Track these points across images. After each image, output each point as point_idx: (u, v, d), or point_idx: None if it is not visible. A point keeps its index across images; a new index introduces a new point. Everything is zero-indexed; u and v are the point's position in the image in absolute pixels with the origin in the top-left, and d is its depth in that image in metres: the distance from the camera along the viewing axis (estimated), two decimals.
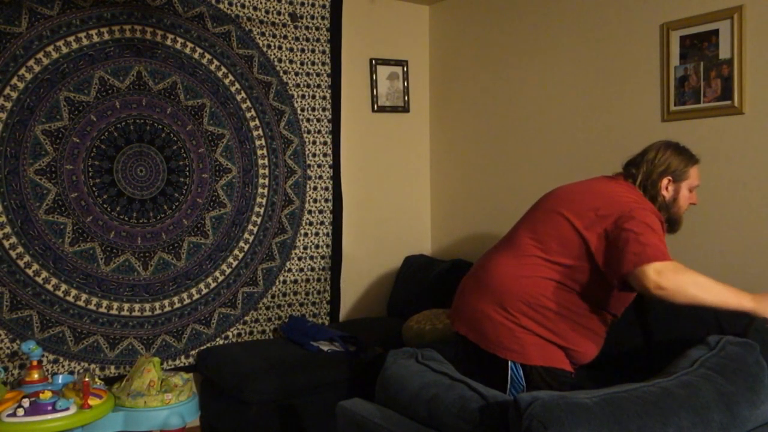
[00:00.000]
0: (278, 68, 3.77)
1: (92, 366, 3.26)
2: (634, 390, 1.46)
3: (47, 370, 3.12)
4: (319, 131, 3.92)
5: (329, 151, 3.95)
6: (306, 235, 3.90)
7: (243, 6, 3.62)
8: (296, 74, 3.83)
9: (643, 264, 1.92)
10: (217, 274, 3.60)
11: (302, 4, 3.83)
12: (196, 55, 3.49)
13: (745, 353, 1.63)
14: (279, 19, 3.76)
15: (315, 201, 3.92)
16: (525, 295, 2.16)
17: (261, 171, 3.72)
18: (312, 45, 3.87)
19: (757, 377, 1.58)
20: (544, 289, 2.16)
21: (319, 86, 3.91)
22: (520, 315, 2.15)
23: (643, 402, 1.41)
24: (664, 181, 2.22)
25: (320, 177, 3.93)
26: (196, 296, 3.54)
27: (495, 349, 2.19)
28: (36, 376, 2.82)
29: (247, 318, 3.71)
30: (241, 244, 3.67)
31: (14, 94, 3.06)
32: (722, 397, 1.48)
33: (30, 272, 3.11)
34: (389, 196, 4.27)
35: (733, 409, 1.48)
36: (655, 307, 2.56)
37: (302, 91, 3.85)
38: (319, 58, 3.90)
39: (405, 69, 4.26)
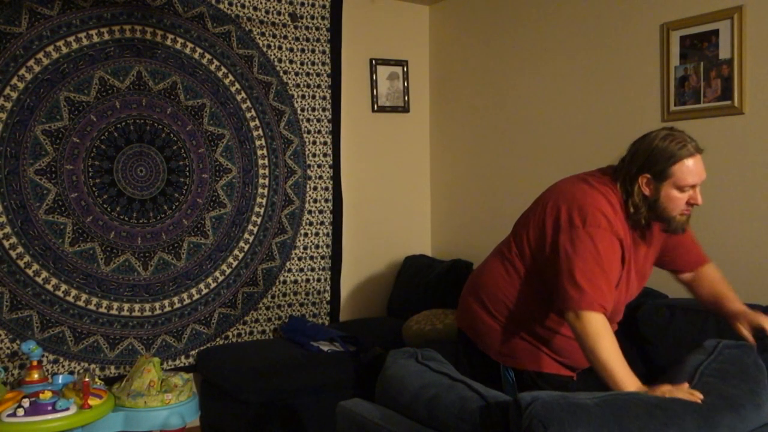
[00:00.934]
0: (278, 68, 3.77)
1: (92, 366, 3.26)
2: (637, 393, 1.46)
3: (47, 370, 3.12)
4: (319, 131, 3.92)
5: (329, 151, 3.95)
6: (306, 235, 3.90)
7: (243, 6, 3.62)
8: (296, 74, 3.83)
9: (570, 310, 1.88)
10: (217, 274, 3.60)
11: (302, 4, 3.83)
12: (196, 55, 3.49)
13: (742, 355, 1.63)
14: (279, 19, 3.76)
15: (315, 201, 3.92)
16: (505, 299, 2.14)
17: (261, 171, 3.72)
18: (312, 45, 3.87)
19: (757, 379, 1.58)
20: (522, 293, 2.10)
21: (319, 86, 3.91)
22: (504, 319, 2.14)
23: (645, 404, 1.40)
24: (642, 179, 1.96)
25: (320, 177, 3.93)
26: (196, 296, 3.54)
27: (488, 351, 2.19)
28: (36, 376, 2.82)
29: (247, 318, 3.71)
30: (241, 244, 3.67)
31: (14, 94, 3.05)
32: (726, 401, 1.48)
33: (30, 272, 3.11)
34: (389, 196, 4.27)
35: (739, 412, 1.47)
36: (655, 315, 2.58)
37: (302, 91, 3.85)
38: (319, 58, 3.90)
39: (405, 69, 4.26)
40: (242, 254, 3.68)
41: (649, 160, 1.94)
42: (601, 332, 1.83)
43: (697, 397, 1.50)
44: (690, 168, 1.93)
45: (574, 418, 1.32)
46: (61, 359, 3.19)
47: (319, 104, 3.91)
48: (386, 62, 4.19)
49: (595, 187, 2.02)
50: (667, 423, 1.37)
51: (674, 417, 1.39)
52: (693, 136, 2.73)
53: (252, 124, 3.69)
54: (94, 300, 3.26)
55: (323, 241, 3.96)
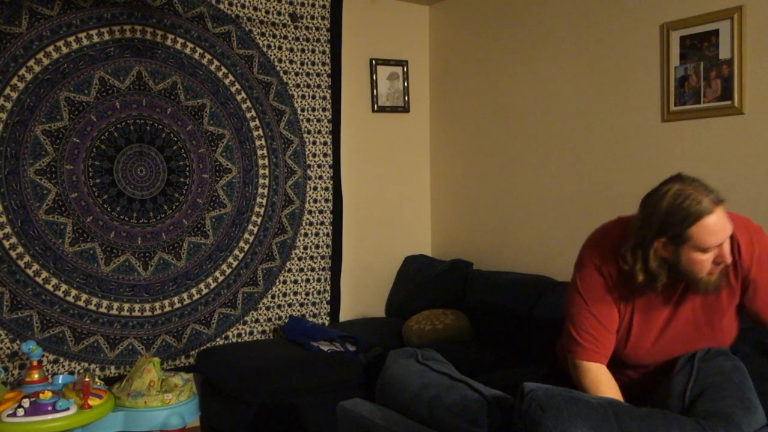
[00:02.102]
0: (278, 68, 3.77)
1: (92, 366, 3.26)
2: (639, 405, 1.48)
3: (47, 371, 3.12)
4: (319, 131, 3.92)
5: (329, 151, 3.95)
6: (306, 235, 3.90)
7: (243, 6, 3.62)
8: (296, 74, 3.83)
9: (568, 354, 1.88)
10: (217, 274, 3.60)
11: (302, 4, 3.83)
12: (196, 56, 3.49)
13: (721, 364, 1.64)
14: (279, 19, 3.76)
15: (315, 201, 3.92)
16: None
17: (261, 171, 3.72)
18: (312, 45, 3.88)
19: (743, 385, 1.59)
20: None
21: (319, 86, 3.91)
22: None
23: (646, 410, 1.42)
24: (657, 243, 1.73)
25: (320, 177, 3.93)
26: (196, 296, 3.54)
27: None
28: (36, 376, 2.82)
29: (247, 318, 3.71)
30: (241, 244, 3.67)
31: (14, 94, 3.05)
32: (720, 415, 1.48)
33: (30, 272, 3.11)
34: (389, 196, 4.27)
35: (734, 420, 1.48)
36: None
37: (302, 91, 3.85)
38: (319, 58, 3.90)
39: (405, 69, 4.26)
40: (242, 254, 3.68)
41: (662, 225, 1.69)
42: (597, 385, 1.79)
43: None
44: (710, 227, 1.66)
45: (574, 409, 1.33)
46: (61, 359, 3.19)
47: (319, 104, 3.91)
48: (386, 62, 4.19)
49: (605, 241, 1.89)
50: (668, 426, 1.38)
51: (674, 419, 1.40)
52: (692, 137, 2.66)
53: (252, 124, 3.69)
54: (94, 300, 3.26)
55: (323, 241, 3.96)
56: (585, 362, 1.81)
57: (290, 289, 3.86)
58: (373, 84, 4.15)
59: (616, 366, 1.90)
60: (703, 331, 1.89)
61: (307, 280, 3.92)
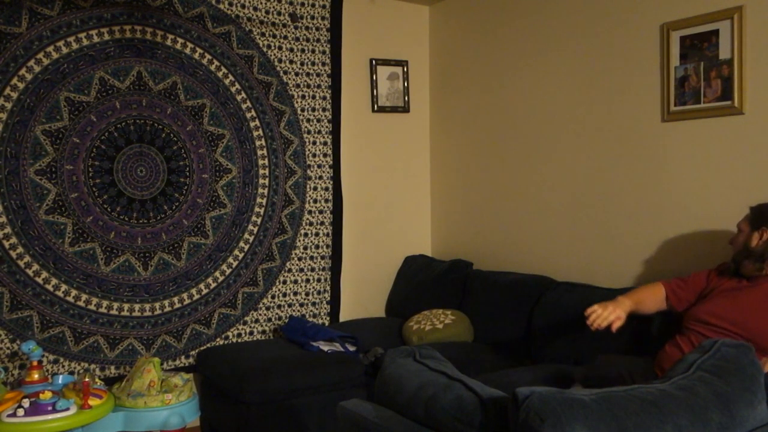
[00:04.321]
0: (278, 68, 3.77)
1: (92, 366, 3.26)
2: (632, 390, 1.46)
3: (47, 371, 3.12)
4: (319, 131, 3.92)
5: (329, 151, 3.96)
6: (306, 235, 3.90)
7: (243, 6, 3.62)
8: (296, 74, 3.83)
9: None
10: (217, 274, 3.60)
11: (302, 4, 3.83)
12: (196, 56, 3.49)
13: (739, 354, 1.63)
14: (279, 20, 3.76)
15: (315, 201, 3.92)
16: None
17: (261, 171, 3.72)
18: (312, 45, 3.88)
19: (753, 377, 1.58)
20: None
21: (319, 86, 3.91)
22: None
23: (640, 401, 1.41)
24: None
25: (320, 177, 3.93)
26: (196, 296, 3.54)
27: None
28: (36, 376, 2.82)
29: (247, 318, 3.71)
30: (241, 244, 3.67)
31: (14, 95, 3.06)
32: (719, 397, 1.48)
33: (30, 272, 3.11)
34: (389, 196, 4.27)
35: (731, 409, 1.47)
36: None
37: (302, 91, 3.85)
38: (319, 58, 3.90)
39: (405, 69, 4.26)
40: (242, 254, 3.68)
41: None
42: (645, 285, 2.68)
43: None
44: None
45: (571, 412, 1.32)
46: (61, 359, 3.19)
47: (319, 104, 3.91)
48: (386, 62, 4.19)
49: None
50: (663, 420, 1.38)
51: (669, 414, 1.39)
52: (692, 137, 2.74)
53: (252, 124, 3.69)
54: (94, 300, 3.26)
55: (323, 241, 3.96)
56: (658, 282, 2.67)
57: (290, 289, 3.86)
58: (373, 84, 4.15)
59: (695, 321, 2.47)
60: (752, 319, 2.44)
61: (307, 280, 3.92)
